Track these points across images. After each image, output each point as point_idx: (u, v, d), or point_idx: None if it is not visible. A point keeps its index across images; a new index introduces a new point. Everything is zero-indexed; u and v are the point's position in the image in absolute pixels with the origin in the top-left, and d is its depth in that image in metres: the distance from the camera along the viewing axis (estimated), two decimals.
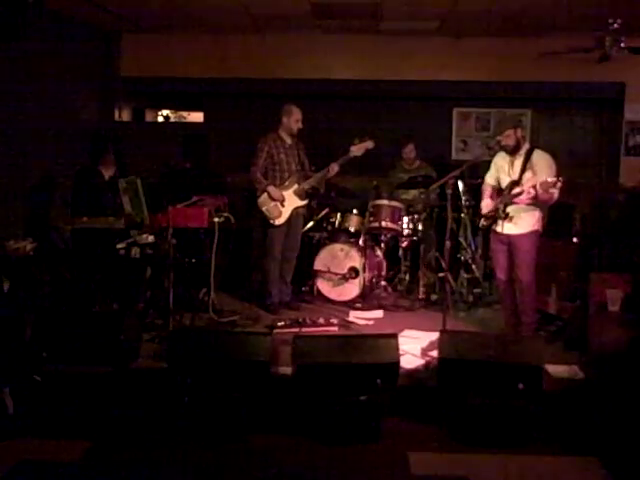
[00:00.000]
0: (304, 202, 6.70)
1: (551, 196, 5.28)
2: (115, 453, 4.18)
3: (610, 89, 8.49)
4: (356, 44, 8.45)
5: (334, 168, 6.57)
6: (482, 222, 5.81)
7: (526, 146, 5.58)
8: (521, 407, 4.32)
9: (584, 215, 7.07)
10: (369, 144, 6.63)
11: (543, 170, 5.36)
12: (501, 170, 5.69)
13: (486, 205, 5.78)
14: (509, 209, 5.48)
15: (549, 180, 5.11)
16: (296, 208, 6.60)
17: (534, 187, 5.21)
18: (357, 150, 6.60)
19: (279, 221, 6.52)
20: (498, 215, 5.53)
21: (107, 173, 6.29)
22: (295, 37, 8.41)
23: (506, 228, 5.54)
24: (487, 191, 5.84)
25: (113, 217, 5.78)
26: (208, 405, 4.39)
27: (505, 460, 4.11)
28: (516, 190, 5.43)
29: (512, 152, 5.54)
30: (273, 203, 6.50)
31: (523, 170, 5.47)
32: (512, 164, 5.58)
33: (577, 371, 4.98)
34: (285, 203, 6.51)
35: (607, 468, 3.94)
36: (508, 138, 5.50)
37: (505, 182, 5.61)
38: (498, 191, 5.71)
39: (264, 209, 6.51)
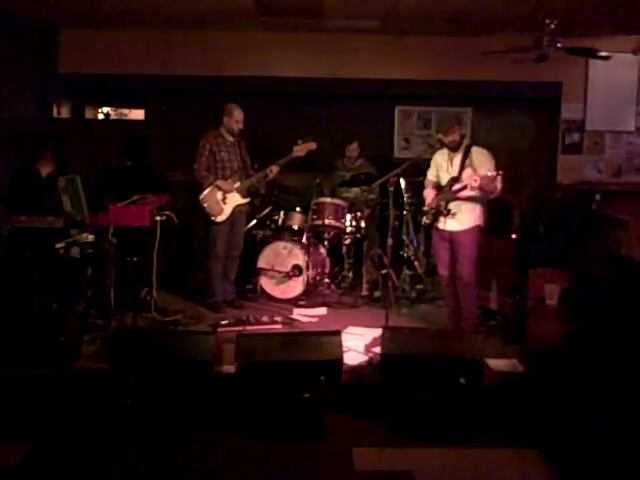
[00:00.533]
0: (246, 200, 6.68)
1: (494, 188, 5.39)
2: (55, 456, 4.11)
3: (547, 88, 8.66)
4: (299, 42, 8.44)
5: (274, 170, 6.59)
6: (424, 220, 5.87)
7: (465, 143, 5.68)
8: (463, 401, 4.39)
9: (522, 212, 7.20)
10: (312, 145, 6.65)
11: (483, 164, 5.47)
12: (440, 168, 5.77)
13: (429, 198, 5.84)
14: (450, 205, 5.56)
15: (489, 174, 5.22)
16: (238, 206, 6.58)
17: (476, 181, 5.29)
18: (300, 151, 6.62)
19: (221, 218, 6.49)
20: (439, 212, 5.61)
21: (45, 171, 6.14)
22: (238, 34, 8.34)
23: (448, 224, 5.62)
24: (429, 187, 5.93)
25: (52, 216, 5.68)
26: (151, 405, 4.34)
27: (448, 453, 4.17)
28: (457, 186, 5.51)
29: (454, 149, 5.62)
30: (215, 200, 6.46)
31: (462, 167, 5.57)
32: (451, 161, 5.66)
33: (517, 365, 5.08)
34: (227, 200, 6.49)
35: (547, 460, 4.03)
36: (454, 134, 5.58)
37: (445, 179, 5.69)
38: (438, 188, 5.79)
39: (205, 205, 6.47)
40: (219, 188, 6.46)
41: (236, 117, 6.49)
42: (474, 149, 5.63)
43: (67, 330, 4.86)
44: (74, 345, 5.05)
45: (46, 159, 6.21)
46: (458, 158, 5.62)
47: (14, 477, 3.86)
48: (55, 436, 4.31)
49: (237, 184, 6.55)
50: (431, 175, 5.92)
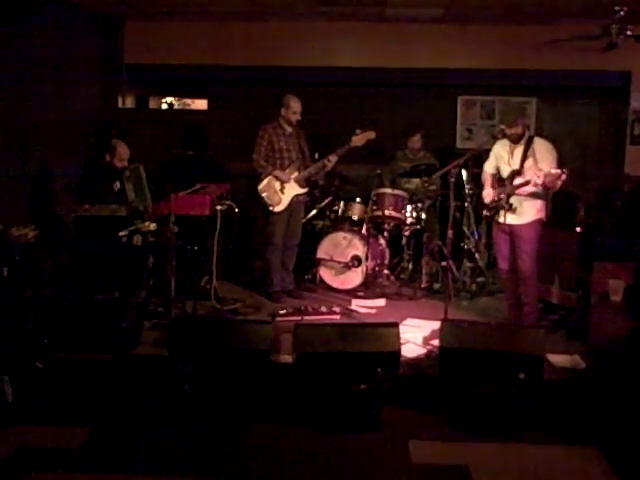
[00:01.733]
0: (304, 190, 6.69)
1: (556, 186, 5.24)
2: (115, 440, 4.20)
3: (616, 78, 8.43)
4: (361, 31, 8.40)
5: (332, 160, 6.57)
6: (485, 212, 5.78)
7: (527, 134, 5.55)
8: (522, 396, 4.32)
9: (588, 205, 7.03)
10: (370, 134, 6.61)
11: (545, 158, 5.36)
12: (500, 159, 5.66)
13: (488, 194, 5.76)
14: (512, 200, 5.45)
15: (553, 172, 5.07)
16: (296, 195, 6.60)
17: (539, 177, 5.17)
18: (358, 140, 6.58)
19: (279, 208, 6.51)
20: (501, 206, 5.51)
21: (121, 163, 6.21)
22: (300, 24, 8.36)
23: (508, 218, 5.51)
24: (488, 180, 5.82)
25: (116, 205, 5.79)
26: (208, 393, 4.40)
27: (505, 449, 4.12)
28: (519, 180, 5.40)
29: (516, 141, 5.51)
30: (273, 190, 6.49)
31: (524, 159, 5.45)
32: (512, 153, 5.55)
33: (579, 361, 4.97)
34: (285, 190, 6.51)
35: (607, 458, 3.95)
36: (517, 127, 5.46)
37: (506, 171, 5.58)
38: (498, 180, 5.69)
39: (264, 195, 6.50)
40: (277, 178, 6.48)
41: (293, 108, 6.49)
42: (537, 141, 5.50)
43: (128, 317, 4.97)
44: (135, 331, 5.16)
45: (121, 151, 6.25)
46: (519, 150, 5.49)
47: (76, 459, 3.96)
48: (116, 420, 4.40)
49: (295, 174, 6.56)
50: (489, 167, 5.81)
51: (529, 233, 5.52)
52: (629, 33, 6.53)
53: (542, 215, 5.56)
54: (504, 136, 5.58)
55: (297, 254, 6.88)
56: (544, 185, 5.24)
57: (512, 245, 5.61)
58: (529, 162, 5.42)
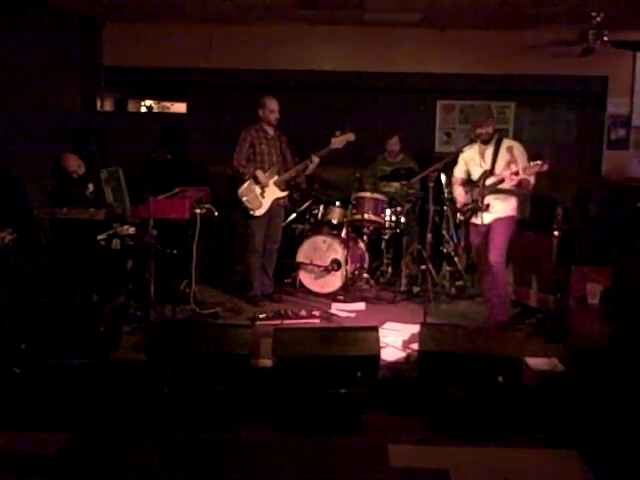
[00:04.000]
0: (284, 193, 6.68)
1: (529, 182, 5.36)
2: (95, 445, 4.16)
3: (593, 82, 8.51)
4: (341, 35, 8.43)
5: (314, 160, 6.57)
6: (459, 217, 5.84)
7: (496, 135, 5.66)
8: (501, 400, 4.34)
9: (566, 208, 7.08)
10: (350, 136, 6.61)
11: (520, 158, 5.46)
12: (471, 162, 5.75)
13: (460, 194, 5.83)
14: (487, 199, 5.51)
15: (532, 164, 5.15)
16: (276, 199, 6.58)
17: (516, 173, 5.23)
18: (338, 142, 6.58)
19: (259, 212, 6.50)
20: (477, 207, 5.55)
21: (77, 173, 6.18)
22: (279, 27, 8.37)
23: (485, 218, 5.59)
24: (457, 184, 5.92)
25: (94, 208, 5.75)
26: (188, 397, 4.38)
27: (485, 452, 4.12)
28: (492, 180, 5.46)
29: (486, 141, 5.59)
30: (254, 194, 6.48)
31: (495, 159, 5.54)
32: (483, 154, 5.64)
33: (557, 364, 5.00)
34: (265, 194, 6.50)
35: (586, 461, 3.96)
36: (488, 127, 5.56)
37: (477, 173, 5.66)
38: (469, 182, 5.74)
39: (244, 199, 6.48)
40: (256, 181, 6.46)
41: (269, 107, 6.48)
42: (506, 141, 5.64)
43: (107, 321, 4.92)
44: (114, 336, 5.11)
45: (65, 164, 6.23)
46: (490, 151, 5.60)
47: (53, 465, 3.92)
48: (94, 425, 4.36)
49: (275, 177, 6.55)
50: (459, 172, 5.91)
51: (501, 227, 5.58)
52: (606, 39, 6.62)
53: (515, 213, 5.65)
54: (477, 137, 5.63)
55: (277, 258, 6.86)
56: (519, 182, 5.32)
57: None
58: (500, 162, 5.52)
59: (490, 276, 5.67)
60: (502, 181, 5.41)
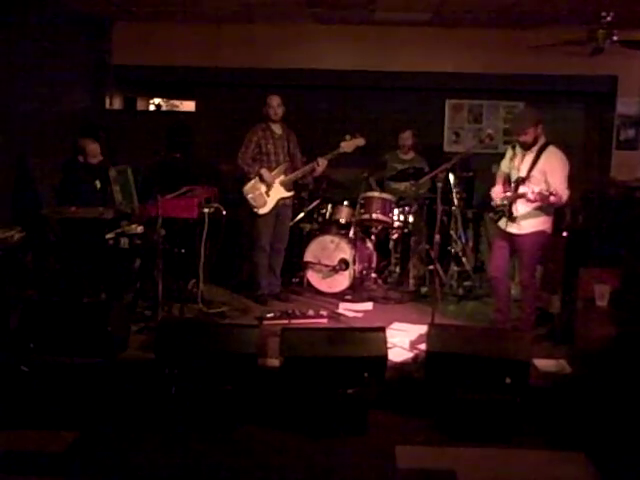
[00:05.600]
0: (290, 193, 6.65)
1: (559, 199, 5.09)
2: (102, 444, 4.18)
3: (602, 82, 8.49)
4: (349, 34, 8.42)
5: (322, 163, 6.53)
6: (491, 215, 5.61)
7: (541, 141, 5.35)
8: (508, 401, 4.33)
9: (574, 209, 7.06)
10: (360, 141, 6.60)
11: (555, 171, 5.20)
12: (512, 162, 5.50)
13: (495, 192, 5.58)
14: (515, 208, 5.32)
15: (545, 194, 4.96)
16: (282, 199, 6.56)
17: (532, 193, 5.02)
18: (347, 146, 6.57)
19: (263, 210, 6.49)
20: (503, 212, 5.38)
21: (95, 159, 6.22)
22: (288, 26, 8.37)
23: (509, 227, 5.38)
24: (500, 178, 5.65)
25: (102, 207, 5.77)
26: (195, 397, 4.38)
27: (492, 454, 4.12)
28: (522, 190, 5.27)
29: (526, 148, 5.34)
30: (259, 192, 6.47)
31: (532, 168, 5.28)
32: (523, 159, 5.37)
33: (565, 366, 4.99)
34: (270, 193, 6.48)
35: (594, 463, 3.95)
36: (527, 136, 5.27)
37: (514, 176, 5.43)
38: (508, 181, 5.54)
39: (249, 197, 6.48)
40: (262, 180, 6.45)
41: (269, 103, 6.45)
42: (550, 150, 5.30)
43: (115, 320, 4.93)
44: (122, 335, 5.12)
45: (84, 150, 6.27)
46: (530, 157, 5.31)
47: (61, 463, 3.93)
48: (102, 424, 4.38)
49: (281, 177, 6.53)
50: (504, 166, 5.64)
51: (528, 245, 5.38)
52: (615, 38, 6.55)
53: (546, 227, 5.40)
54: (491, 140, 5.55)
55: (284, 257, 6.86)
56: (536, 201, 5.13)
57: (508, 252, 5.55)
58: (535, 172, 5.25)
59: (521, 289, 5.62)
60: (524, 196, 5.20)
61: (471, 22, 7.92)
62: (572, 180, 5.30)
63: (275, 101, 6.47)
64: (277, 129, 6.57)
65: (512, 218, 5.33)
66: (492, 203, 5.61)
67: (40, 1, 6.98)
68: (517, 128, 5.39)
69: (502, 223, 5.44)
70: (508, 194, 5.41)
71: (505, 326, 5.63)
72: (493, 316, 5.85)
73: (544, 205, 5.23)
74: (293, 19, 8.11)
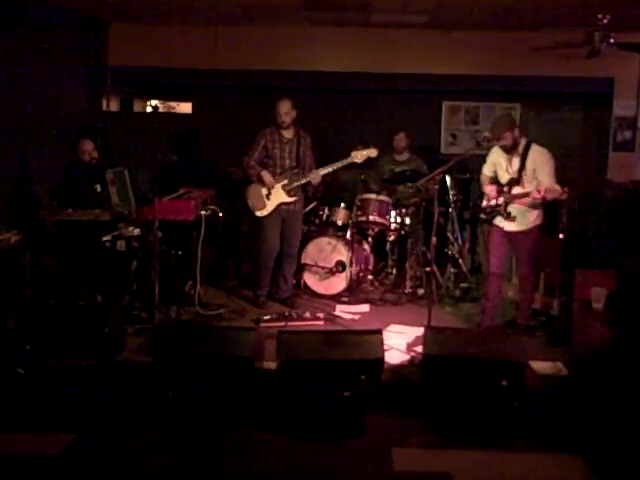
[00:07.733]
0: (291, 199, 6.49)
1: (559, 192, 5.15)
2: (98, 447, 4.17)
3: (599, 84, 8.50)
4: (346, 36, 8.42)
5: (316, 176, 6.47)
6: (482, 216, 5.72)
7: (523, 142, 5.48)
8: (504, 404, 4.33)
9: (571, 211, 7.07)
10: (372, 152, 6.52)
11: (542, 168, 5.34)
12: (499, 166, 5.62)
13: (489, 191, 5.68)
14: (510, 208, 5.45)
15: (556, 189, 5.05)
16: (282, 203, 6.46)
17: (539, 192, 5.13)
18: (359, 157, 6.47)
19: (261, 213, 6.44)
20: (499, 213, 5.51)
21: (90, 156, 6.24)
22: (285, 29, 8.37)
23: (506, 225, 5.54)
24: (487, 182, 5.77)
25: (99, 209, 5.77)
26: (192, 399, 4.38)
27: (488, 456, 4.11)
28: (517, 190, 5.40)
29: (509, 150, 5.47)
30: (259, 195, 6.43)
31: (521, 168, 5.42)
32: (510, 161, 5.51)
33: (561, 368, 5.00)
34: (271, 197, 6.44)
35: (590, 466, 3.95)
36: (505, 140, 5.40)
37: (504, 178, 5.56)
38: (497, 184, 5.65)
39: (249, 199, 6.47)
40: (263, 183, 6.40)
41: (278, 110, 6.36)
42: (533, 149, 5.43)
43: (112, 322, 4.93)
44: (118, 337, 5.13)
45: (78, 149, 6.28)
46: (517, 159, 5.45)
47: (58, 467, 3.93)
48: (98, 427, 4.37)
49: (284, 182, 6.45)
50: (487, 170, 5.76)
51: (527, 241, 5.56)
52: (612, 40, 6.58)
53: (540, 221, 5.59)
54: (489, 142, 5.58)
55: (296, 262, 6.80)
56: (544, 199, 5.22)
57: (507, 248, 5.66)
58: (527, 171, 5.40)
59: (519, 283, 5.75)
60: (527, 195, 5.31)
61: (468, 24, 7.93)
62: (569, 182, 5.31)
63: (283, 108, 6.36)
64: (287, 134, 6.48)
65: (511, 218, 5.45)
66: (483, 204, 5.75)
67: (37, 2, 6.96)
68: (494, 134, 5.50)
69: (498, 222, 5.57)
70: (506, 196, 5.49)
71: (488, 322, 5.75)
72: (479, 318, 5.89)
73: (537, 202, 5.37)
74: (290, 21, 8.11)
